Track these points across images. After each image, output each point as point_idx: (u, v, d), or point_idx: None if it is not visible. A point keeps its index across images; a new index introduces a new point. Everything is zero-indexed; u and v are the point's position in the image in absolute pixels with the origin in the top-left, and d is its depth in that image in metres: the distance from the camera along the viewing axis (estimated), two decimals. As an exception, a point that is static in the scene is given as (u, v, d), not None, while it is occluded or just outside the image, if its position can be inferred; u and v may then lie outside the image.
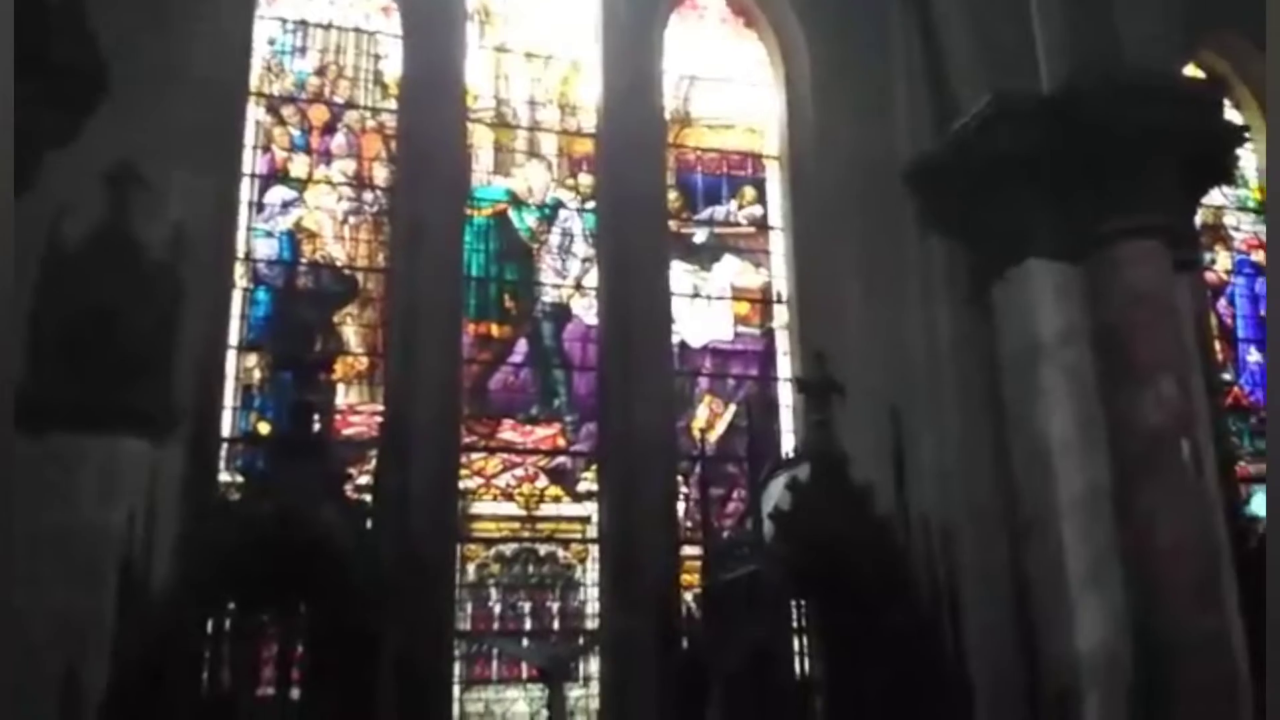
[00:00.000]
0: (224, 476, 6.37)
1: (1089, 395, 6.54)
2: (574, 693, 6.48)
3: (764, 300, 8.15)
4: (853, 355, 7.11)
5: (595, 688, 6.75)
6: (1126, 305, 6.51)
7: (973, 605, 6.27)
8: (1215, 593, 5.90)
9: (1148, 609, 5.99)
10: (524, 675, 6.65)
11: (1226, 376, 8.77)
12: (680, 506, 7.40)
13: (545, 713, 5.83)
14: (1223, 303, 9.18)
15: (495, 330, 7.51)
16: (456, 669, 6.58)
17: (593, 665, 6.82)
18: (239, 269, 6.89)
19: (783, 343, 8.05)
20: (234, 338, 6.71)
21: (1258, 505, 8.18)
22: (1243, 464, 8.38)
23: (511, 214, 7.78)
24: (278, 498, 5.17)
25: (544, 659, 5.83)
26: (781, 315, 8.10)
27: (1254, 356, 9.01)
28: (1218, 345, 8.75)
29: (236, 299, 6.81)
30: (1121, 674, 6.02)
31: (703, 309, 7.99)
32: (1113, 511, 6.29)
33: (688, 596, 6.77)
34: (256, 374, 6.75)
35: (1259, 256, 9.42)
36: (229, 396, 6.59)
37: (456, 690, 6.54)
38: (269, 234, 7.11)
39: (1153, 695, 5.87)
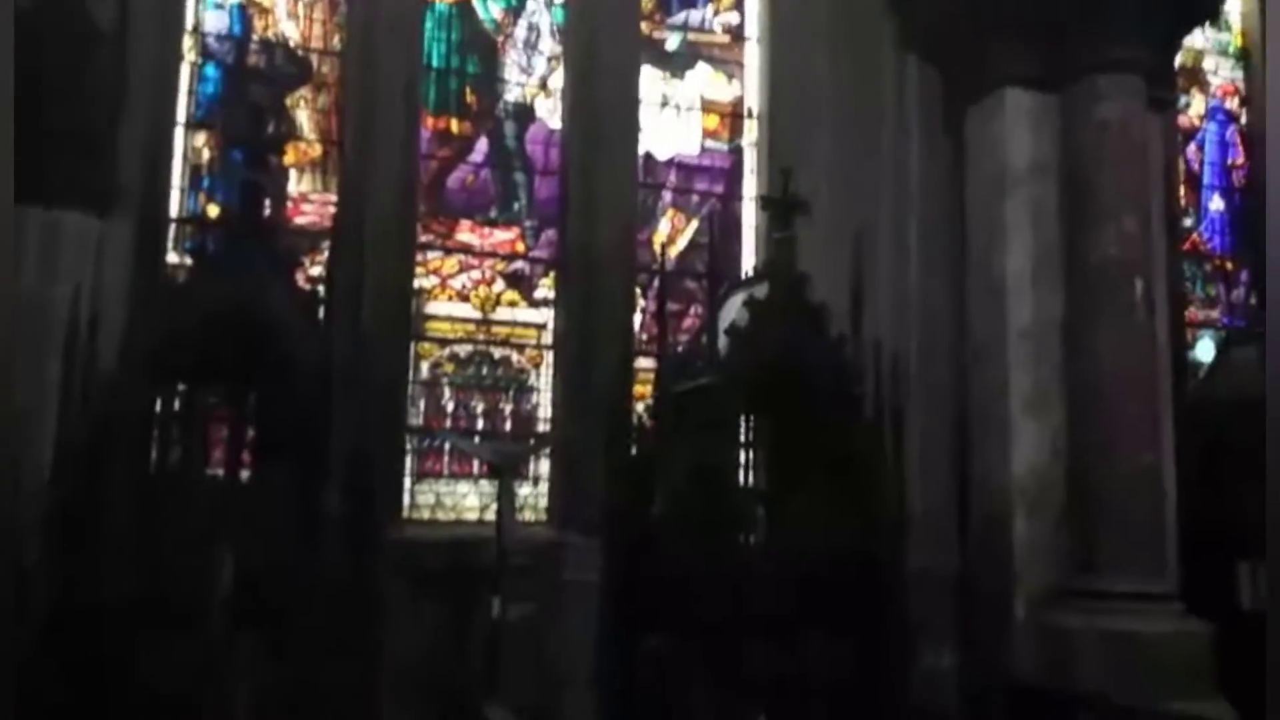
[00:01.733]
0: (172, 258, 6.22)
1: (1050, 229, 6.53)
2: (523, 490, 6.61)
3: (734, 114, 7.94)
4: (821, 176, 7.02)
5: (544, 487, 6.88)
6: (1097, 139, 6.43)
7: (915, 430, 6.46)
8: (1153, 430, 6.07)
9: (1085, 441, 6.15)
10: (475, 472, 6.76)
11: (1187, 222, 8.83)
12: (636, 319, 7.40)
13: (495, 506, 5.92)
14: (1192, 148, 9.13)
15: (455, 126, 7.26)
16: (408, 462, 6.66)
17: (543, 466, 6.93)
18: (187, 41, 6.53)
19: (750, 160, 7.91)
20: (181, 114, 6.42)
21: (1202, 351, 8.39)
22: (1192, 309, 8.53)
23: (476, 2, 7.41)
24: (228, 280, 5.05)
25: (495, 455, 5.91)
26: (751, 131, 7.92)
27: (1216, 204, 9.05)
28: (1182, 190, 8.76)
29: (184, 73, 6.47)
30: (1052, 501, 6.23)
31: (671, 120, 7.78)
32: (1061, 344, 6.38)
33: (639, 407, 6.85)
34: (205, 154, 6.50)
35: (1233, 104, 9.33)
36: (177, 176, 6.36)
37: (407, 482, 6.64)
38: (219, 6, 6.71)
39: (1081, 524, 6.10)
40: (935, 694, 5.94)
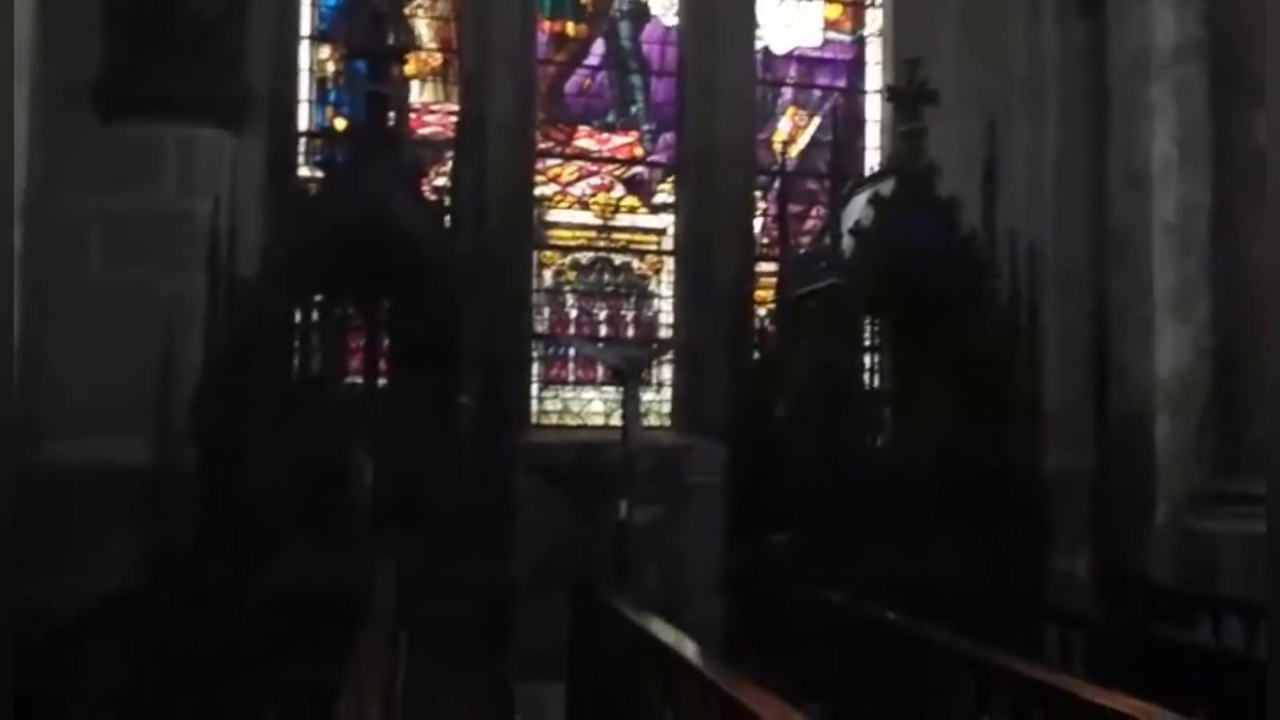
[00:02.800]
0: (303, 171, 6.37)
1: (1196, 113, 6.13)
2: (647, 396, 6.66)
3: (856, 3, 7.64)
4: (949, 65, 6.70)
5: (667, 393, 6.93)
6: (1249, 15, 5.96)
7: (1051, 327, 6.25)
8: (1305, 323, 5.72)
9: (1232, 337, 5.85)
10: (599, 378, 6.83)
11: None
12: (757, 222, 7.29)
13: (620, 411, 5.99)
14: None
15: (571, 29, 7.18)
16: (534, 369, 6.78)
17: (666, 372, 6.97)
18: (306, -49, 6.58)
19: (874, 51, 7.61)
20: (306, 27, 6.50)
21: (1362, 239, 7.82)
22: (1352, 195, 7.94)
23: (587, -98, 7.26)
24: (357, 192, 5.15)
25: (618, 358, 5.96)
26: (875, 20, 7.61)
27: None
28: (1346, 67, 8.09)
29: (306, -15, 6.54)
30: (1196, 400, 5.98)
31: (790, 12, 7.52)
32: (1208, 235, 6.04)
33: (760, 312, 6.80)
34: (330, 66, 6.59)
35: None
36: (303, 89, 6.47)
37: (534, 389, 6.76)
38: (335, -84, 6.73)
39: (1227, 424, 5.84)
40: (1070, 597, 5.84)
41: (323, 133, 6.47)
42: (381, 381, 5.50)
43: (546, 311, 6.93)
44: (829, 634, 4.51)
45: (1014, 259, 5.79)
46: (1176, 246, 6.09)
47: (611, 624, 4.44)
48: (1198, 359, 5.95)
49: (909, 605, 4.36)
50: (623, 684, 4.21)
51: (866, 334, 6.25)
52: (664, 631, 3.77)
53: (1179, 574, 5.71)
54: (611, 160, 7.20)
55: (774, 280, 6.57)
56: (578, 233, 7.08)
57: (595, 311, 6.99)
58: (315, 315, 5.56)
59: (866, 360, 6.26)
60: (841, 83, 7.66)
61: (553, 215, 7.04)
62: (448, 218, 5.33)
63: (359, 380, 5.58)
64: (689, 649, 3.47)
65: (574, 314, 6.98)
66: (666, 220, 7.21)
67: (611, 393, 6.61)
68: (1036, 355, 5.86)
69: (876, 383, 6.29)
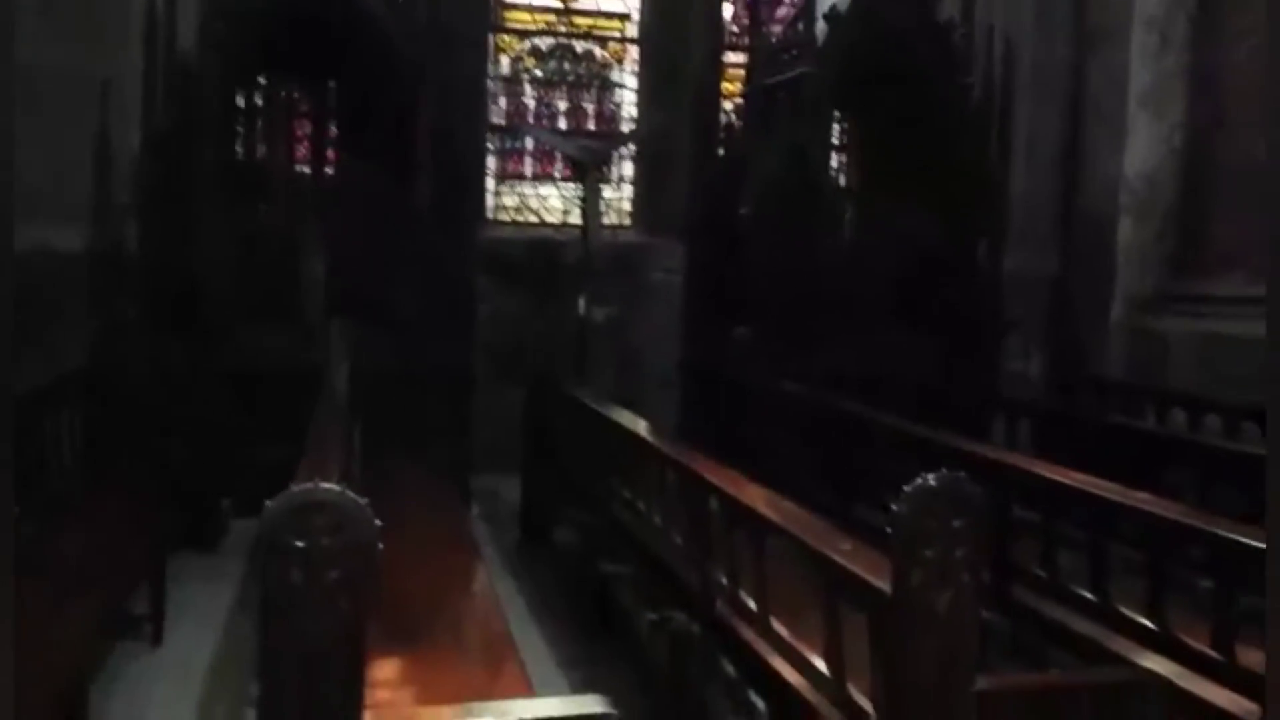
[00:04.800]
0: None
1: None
2: (607, 192, 6.50)
3: None
4: None
5: (629, 190, 6.77)
6: None
7: (1023, 124, 6.12)
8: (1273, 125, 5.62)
9: (1203, 137, 5.77)
10: (558, 174, 6.64)
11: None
12: (727, 9, 6.96)
13: (580, 208, 5.84)
14: None
15: None
16: (491, 163, 6.56)
17: (627, 169, 6.78)
18: None
19: None
20: None
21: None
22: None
23: None
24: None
25: (578, 150, 5.76)
26: None
27: None
28: None
29: None
30: (1161, 202, 5.94)
31: None
32: (1189, 33, 5.86)
33: (728, 106, 6.57)
34: None
35: None
36: None
37: (490, 183, 6.57)
38: None
39: (1189, 226, 5.83)
40: (1025, 389, 5.95)
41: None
42: (330, 171, 5.30)
43: (503, 102, 6.66)
44: (787, 424, 4.56)
45: (990, 53, 5.60)
46: (1156, 43, 5.91)
47: (569, 414, 4.46)
48: (1166, 160, 5.87)
49: (866, 396, 4.40)
50: (580, 471, 4.26)
51: (835, 132, 6.10)
52: (623, 417, 3.78)
53: (1130, 370, 5.81)
54: (572, -63, 6.78)
55: (742, 71, 6.35)
56: (537, 16, 6.73)
57: (554, 102, 6.73)
58: (258, 98, 5.30)
59: (834, 160, 6.14)
60: None
61: (510, -2, 6.67)
62: (400, -2, 5.01)
63: (307, 170, 5.38)
64: (656, 437, 3.47)
65: (532, 105, 6.71)
66: (631, 4, 6.85)
67: (571, 189, 6.44)
68: (1006, 154, 5.75)
69: (843, 181, 6.19)
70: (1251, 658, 2.24)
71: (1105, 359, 5.97)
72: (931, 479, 1.81)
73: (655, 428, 3.61)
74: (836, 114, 6.02)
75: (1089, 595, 2.75)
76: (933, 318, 5.66)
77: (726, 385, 4.97)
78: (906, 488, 1.80)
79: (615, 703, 1.74)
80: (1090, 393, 5.47)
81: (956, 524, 1.79)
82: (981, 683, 1.81)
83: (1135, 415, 5.00)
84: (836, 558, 2.02)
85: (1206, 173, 5.72)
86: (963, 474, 1.81)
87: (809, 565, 2.14)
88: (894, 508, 1.79)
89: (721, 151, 5.99)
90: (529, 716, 1.73)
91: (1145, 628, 2.55)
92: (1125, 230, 5.96)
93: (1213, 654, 2.36)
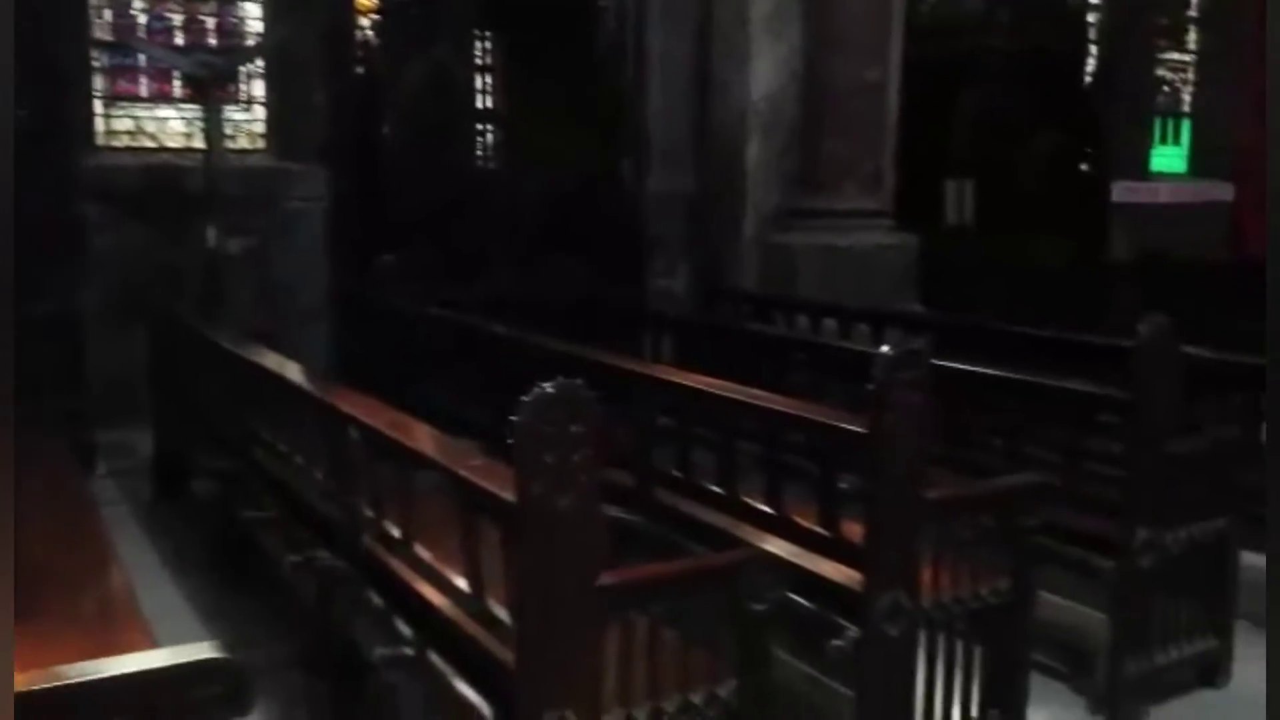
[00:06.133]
0: None
1: None
2: (236, 114, 6.02)
3: None
4: None
5: (260, 112, 6.30)
6: None
7: (657, 51, 6.32)
8: (882, 46, 6.16)
9: (819, 60, 6.18)
10: (177, 94, 6.06)
11: None
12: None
13: (203, 130, 5.37)
14: None
15: None
16: (98, 82, 5.87)
17: (257, 89, 6.30)
18: None
19: None
20: None
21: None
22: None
23: None
24: None
25: (196, 65, 5.27)
26: None
27: None
28: None
29: None
30: (784, 124, 6.33)
31: None
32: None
33: (364, 22, 6.26)
34: None
35: None
36: None
37: (99, 105, 5.89)
38: None
39: (809, 145, 6.26)
40: (672, 303, 6.22)
41: None
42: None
43: (109, 14, 5.95)
44: (441, 351, 4.48)
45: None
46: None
47: (200, 354, 4.13)
48: (788, 82, 6.26)
49: (523, 319, 4.40)
50: (216, 416, 3.98)
51: (478, 50, 5.99)
52: (258, 354, 3.54)
53: (764, 281, 6.22)
54: None
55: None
56: (140, -87, 6.03)
57: (168, 16, 6.10)
58: None
59: (478, 79, 6.03)
60: None
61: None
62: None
63: None
64: (292, 371, 3.29)
65: (143, 19, 6.05)
66: (248, -93, 6.30)
67: (193, 111, 5.90)
68: (641, 77, 5.92)
69: (489, 103, 6.11)
70: (852, 530, 2.48)
71: (742, 271, 6.35)
72: (549, 387, 1.81)
73: (290, 362, 3.41)
74: (478, 31, 5.91)
75: (719, 490, 2.92)
76: (582, 238, 5.77)
77: (378, 315, 4.81)
78: (525, 397, 1.79)
79: (259, 650, 1.62)
80: (728, 304, 5.81)
81: (574, 429, 1.81)
82: (606, 579, 1.86)
83: (767, 322, 5.38)
84: (465, 474, 1.99)
85: (822, 93, 6.15)
86: (579, 380, 1.83)
87: (445, 485, 2.10)
88: (513, 418, 1.78)
89: (360, 70, 5.72)
90: (129, 670, 1.56)
91: (767, 514, 2.75)
92: (753, 150, 6.31)
93: (821, 531, 2.59)
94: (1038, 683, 2.77)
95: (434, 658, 2.20)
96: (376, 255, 4.90)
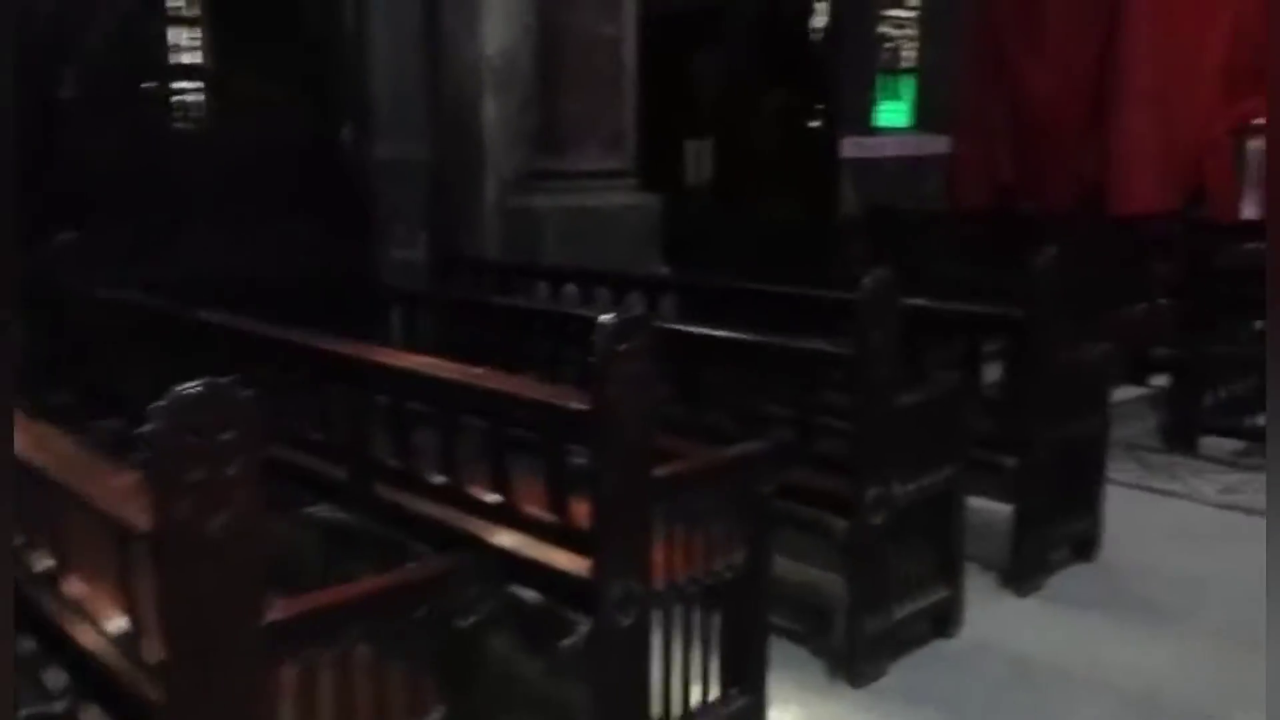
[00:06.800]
0: None
1: None
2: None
3: None
4: None
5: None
6: None
7: (381, 5, 5.93)
8: (617, 1, 6.00)
9: (553, 14, 5.97)
10: None
11: None
12: None
13: None
14: None
15: None
16: None
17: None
18: None
19: None
20: None
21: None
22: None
23: None
24: None
25: None
26: None
27: None
28: None
29: None
30: (519, 81, 6.08)
31: None
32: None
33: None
34: None
35: None
36: None
37: None
38: None
39: (547, 104, 6.05)
40: (414, 276, 5.89)
41: None
42: None
43: None
44: (132, 338, 3.98)
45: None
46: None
47: None
48: (521, 36, 6.00)
49: (227, 300, 3.97)
50: None
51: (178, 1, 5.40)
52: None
53: (510, 248, 5.98)
54: None
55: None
56: None
57: None
58: None
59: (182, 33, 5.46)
60: None
61: None
62: None
63: None
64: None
65: None
66: None
67: None
68: (363, 34, 5.51)
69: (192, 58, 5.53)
70: (583, 513, 2.31)
71: (486, 238, 6.08)
72: (192, 387, 1.52)
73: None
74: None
75: (443, 481, 2.69)
76: (309, 208, 5.34)
77: (53, 302, 4.22)
78: (158, 404, 1.49)
79: None
80: (469, 274, 5.54)
81: (226, 436, 1.53)
82: (275, 611, 1.60)
83: (509, 291, 5.15)
84: (93, 497, 1.66)
85: (557, 48, 5.93)
86: (229, 379, 1.54)
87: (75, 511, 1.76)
88: (143, 429, 1.48)
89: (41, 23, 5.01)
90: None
91: (493, 504, 2.55)
92: (489, 109, 6.03)
93: (549, 518, 2.41)
94: (778, 648, 2.72)
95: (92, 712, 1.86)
96: (57, 232, 4.30)
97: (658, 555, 2.33)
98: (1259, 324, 5.11)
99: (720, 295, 4.54)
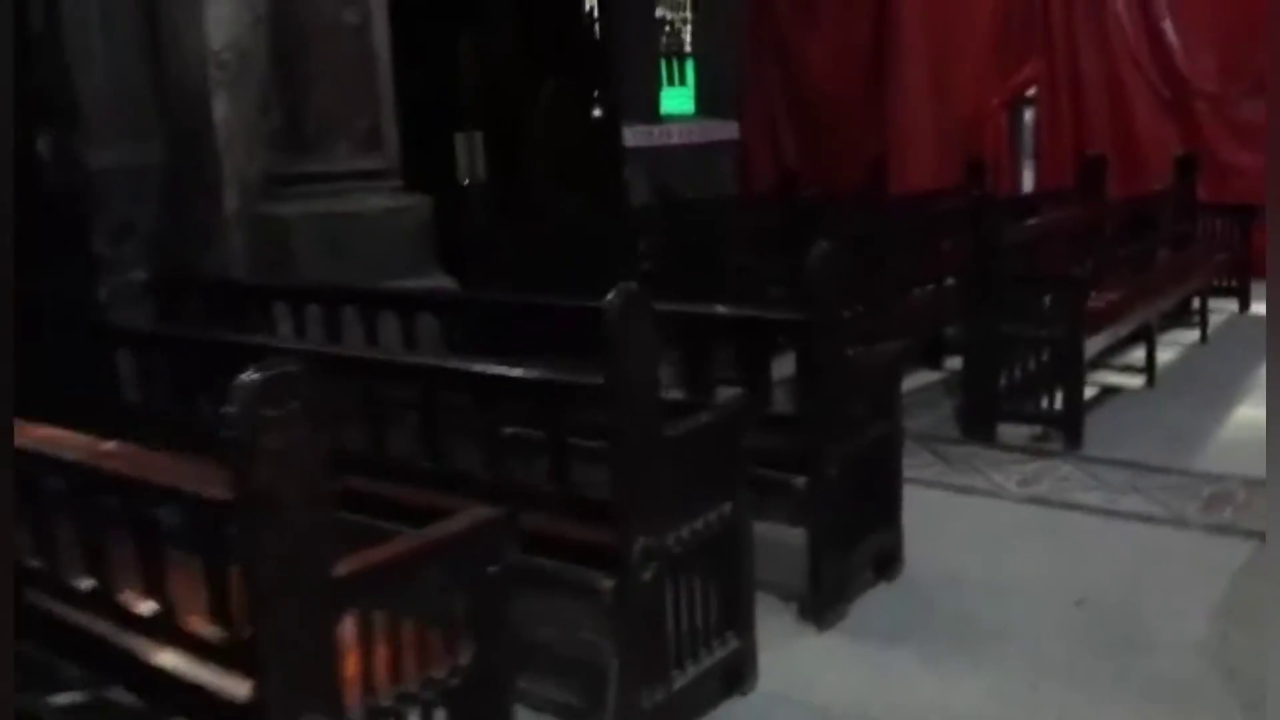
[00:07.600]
0: None
1: None
2: None
3: None
4: None
5: None
6: None
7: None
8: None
9: (288, 3, 5.33)
10: None
11: None
12: None
13: None
14: None
15: None
16: None
17: None
18: None
19: None
20: None
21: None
22: None
23: None
24: None
25: None
26: None
27: None
28: None
29: None
30: (254, 75, 5.42)
31: None
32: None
33: None
34: None
35: None
36: None
37: None
38: None
39: (285, 86, 5.41)
40: (137, 303, 5.14)
41: None
42: None
43: None
44: None
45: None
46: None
47: None
48: (253, 26, 5.33)
49: None
50: None
51: None
52: None
53: (256, 261, 5.31)
54: None
55: None
56: None
57: None
58: None
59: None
60: None
61: None
62: None
63: None
64: None
65: None
66: None
67: None
68: (59, 29, 4.75)
69: None
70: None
71: (229, 252, 5.39)
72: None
73: None
74: None
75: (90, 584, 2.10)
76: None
77: None
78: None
79: None
80: (201, 298, 4.85)
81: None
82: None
83: (247, 316, 4.50)
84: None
85: (294, 39, 5.30)
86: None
87: None
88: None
89: None
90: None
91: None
92: (221, 109, 5.34)
93: (212, 632, 1.86)
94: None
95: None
96: None
97: (350, 669, 1.82)
98: (1047, 299, 5.00)
99: (493, 311, 4.07)
